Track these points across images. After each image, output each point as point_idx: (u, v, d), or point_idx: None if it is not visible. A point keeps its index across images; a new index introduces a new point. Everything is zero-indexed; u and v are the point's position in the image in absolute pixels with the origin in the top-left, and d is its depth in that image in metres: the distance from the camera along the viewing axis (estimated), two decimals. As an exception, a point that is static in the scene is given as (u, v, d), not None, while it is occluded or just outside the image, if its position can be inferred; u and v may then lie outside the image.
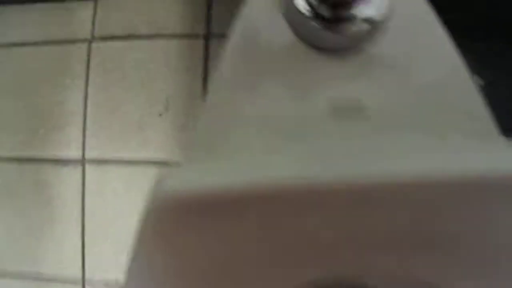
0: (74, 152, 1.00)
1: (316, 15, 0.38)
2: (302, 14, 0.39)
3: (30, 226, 1.01)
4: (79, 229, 0.98)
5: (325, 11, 0.39)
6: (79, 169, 0.99)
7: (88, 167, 0.99)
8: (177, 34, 0.99)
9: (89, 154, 1.00)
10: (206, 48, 0.97)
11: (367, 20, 0.39)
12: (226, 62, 0.51)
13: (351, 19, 0.39)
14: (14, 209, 1.02)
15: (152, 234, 0.36)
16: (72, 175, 1.00)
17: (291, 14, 0.40)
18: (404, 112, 0.45)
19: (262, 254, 0.36)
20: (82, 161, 0.99)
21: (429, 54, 0.46)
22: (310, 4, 0.38)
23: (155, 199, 0.39)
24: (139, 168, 0.97)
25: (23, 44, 1.06)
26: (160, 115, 0.98)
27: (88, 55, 1.01)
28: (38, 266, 1.00)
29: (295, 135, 0.43)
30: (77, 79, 1.02)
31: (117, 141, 0.99)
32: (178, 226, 0.33)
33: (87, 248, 0.98)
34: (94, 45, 1.02)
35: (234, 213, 0.33)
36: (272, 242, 0.35)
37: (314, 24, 0.39)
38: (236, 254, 0.34)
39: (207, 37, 0.97)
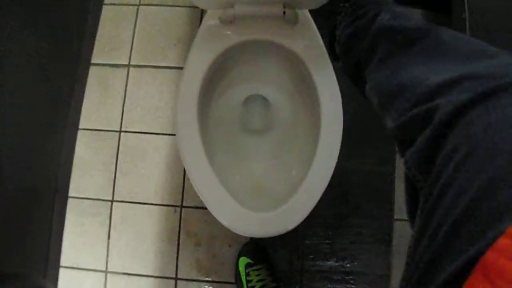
0: (123, 61, 1.75)
1: None
2: None
3: (93, 100, 1.73)
4: (122, 102, 1.71)
5: None
6: (125, 70, 1.74)
7: (131, 70, 1.74)
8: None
9: (132, 62, 1.74)
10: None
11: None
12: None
13: None
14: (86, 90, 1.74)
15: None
16: (120, 74, 1.74)
17: None
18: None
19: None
20: (128, 66, 1.74)
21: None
22: None
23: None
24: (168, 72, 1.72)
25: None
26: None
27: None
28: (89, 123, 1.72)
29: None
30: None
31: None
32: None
33: (125, 111, 1.71)
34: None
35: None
36: None
37: None
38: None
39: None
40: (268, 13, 1.09)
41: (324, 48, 1.11)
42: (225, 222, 1.03)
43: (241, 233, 1.05)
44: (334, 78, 1.08)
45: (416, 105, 0.60)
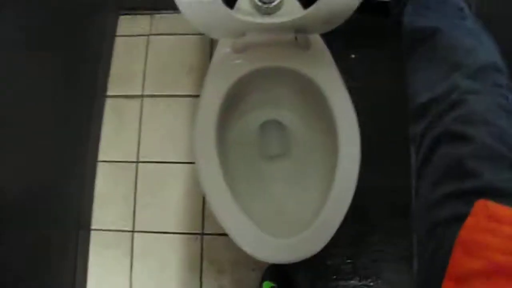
0: (136, 92, 1.77)
1: None
2: None
3: (108, 132, 1.75)
4: (137, 133, 1.73)
5: None
6: (139, 101, 1.76)
7: (145, 101, 1.76)
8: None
9: (146, 92, 1.76)
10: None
11: None
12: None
13: None
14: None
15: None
16: (135, 104, 1.76)
17: None
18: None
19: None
20: (142, 97, 1.76)
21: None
22: None
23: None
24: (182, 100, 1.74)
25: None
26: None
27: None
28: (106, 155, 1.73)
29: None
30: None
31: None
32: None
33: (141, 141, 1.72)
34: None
35: None
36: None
37: None
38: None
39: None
40: (280, 39, 1.10)
41: (338, 71, 1.12)
42: (247, 249, 1.04)
43: (264, 260, 1.05)
44: (349, 100, 1.09)
45: (412, 122, 0.72)
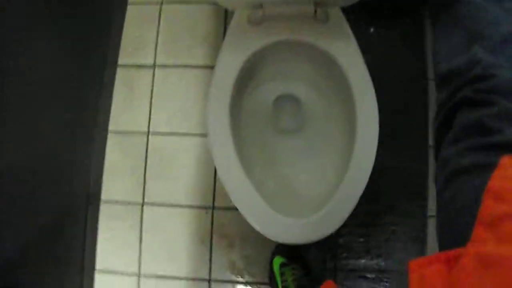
0: (148, 62, 1.73)
1: None
2: None
3: (119, 102, 1.72)
4: (149, 103, 1.69)
5: None
6: (151, 71, 1.72)
7: (156, 71, 1.72)
8: None
9: (158, 62, 1.72)
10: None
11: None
12: None
13: None
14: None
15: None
16: (146, 74, 1.72)
17: None
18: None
19: None
20: (154, 67, 1.72)
21: None
22: None
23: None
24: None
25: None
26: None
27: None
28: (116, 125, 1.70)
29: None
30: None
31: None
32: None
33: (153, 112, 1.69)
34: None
35: None
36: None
37: None
38: None
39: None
40: (299, 12, 1.06)
41: (357, 45, 1.07)
42: (258, 227, 1.01)
43: (274, 239, 1.02)
44: (368, 76, 1.05)
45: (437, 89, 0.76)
